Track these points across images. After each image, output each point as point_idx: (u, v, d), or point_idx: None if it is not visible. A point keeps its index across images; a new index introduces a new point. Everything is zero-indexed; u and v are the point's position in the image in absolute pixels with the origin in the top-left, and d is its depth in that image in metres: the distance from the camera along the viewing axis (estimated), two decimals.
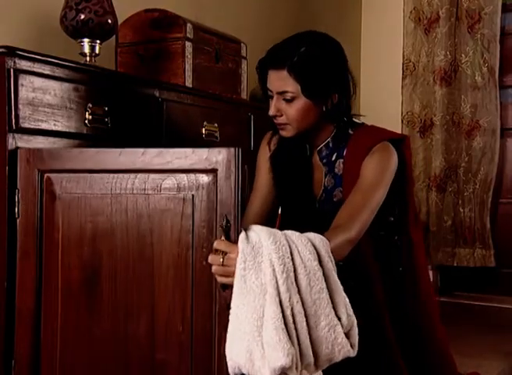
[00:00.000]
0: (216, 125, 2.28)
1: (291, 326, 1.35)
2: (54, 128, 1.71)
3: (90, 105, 1.81)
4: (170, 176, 1.51)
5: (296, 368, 1.34)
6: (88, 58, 2.05)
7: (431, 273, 3.56)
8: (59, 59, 1.74)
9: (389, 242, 1.85)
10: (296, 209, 1.89)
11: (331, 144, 1.88)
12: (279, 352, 1.32)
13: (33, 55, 1.67)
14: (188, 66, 2.26)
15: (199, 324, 1.50)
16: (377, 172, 1.73)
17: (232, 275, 1.39)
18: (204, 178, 1.49)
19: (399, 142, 1.84)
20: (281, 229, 1.46)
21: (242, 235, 1.40)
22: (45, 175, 1.61)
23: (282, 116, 1.80)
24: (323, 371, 1.44)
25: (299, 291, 1.38)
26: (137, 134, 1.98)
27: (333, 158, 1.88)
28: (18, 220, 1.62)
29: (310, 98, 1.76)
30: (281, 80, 1.75)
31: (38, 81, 1.67)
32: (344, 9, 4.00)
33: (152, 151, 1.53)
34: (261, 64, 1.82)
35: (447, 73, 3.79)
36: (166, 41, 2.27)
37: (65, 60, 1.76)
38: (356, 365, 1.54)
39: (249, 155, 2.05)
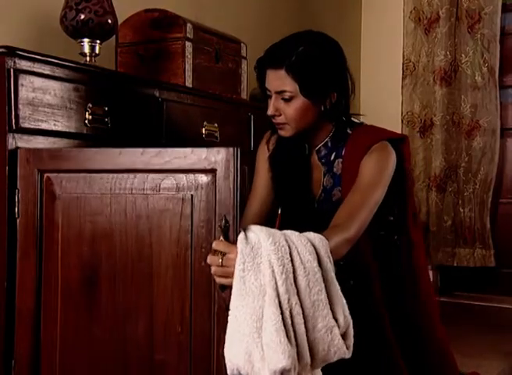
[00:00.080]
0: (216, 125, 2.28)
1: (290, 327, 1.34)
2: (54, 128, 1.72)
3: (90, 105, 1.81)
4: (169, 176, 1.51)
5: (294, 369, 1.34)
6: (88, 58, 2.05)
7: (431, 273, 3.56)
8: (59, 59, 1.74)
9: (388, 242, 1.85)
10: (295, 209, 1.89)
11: (329, 144, 1.88)
12: (279, 354, 1.31)
13: (33, 55, 1.67)
14: (188, 66, 2.26)
15: (198, 324, 1.49)
16: (375, 171, 1.73)
17: (231, 276, 1.38)
18: (203, 178, 1.48)
19: (398, 142, 1.84)
20: (280, 229, 1.46)
21: (241, 236, 1.39)
22: (45, 175, 1.61)
23: (280, 115, 1.79)
24: (322, 371, 1.44)
25: (298, 293, 1.37)
26: (137, 134, 1.98)
27: (332, 158, 1.88)
28: (18, 220, 1.62)
29: (308, 97, 1.76)
30: (279, 80, 1.75)
31: (38, 81, 1.67)
32: (344, 9, 4.00)
33: (151, 151, 1.53)
34: (259, 63, 1.82)
35: (447, 73, 3.79)
36: (166, 41, 2.27)
37: (65, 60, 1.76)
38: (356, 365, 1.55)
39: (249, 155, 2.05)
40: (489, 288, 3.78)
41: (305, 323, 1.37)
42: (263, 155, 1.97)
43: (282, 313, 1.34)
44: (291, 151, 1.92)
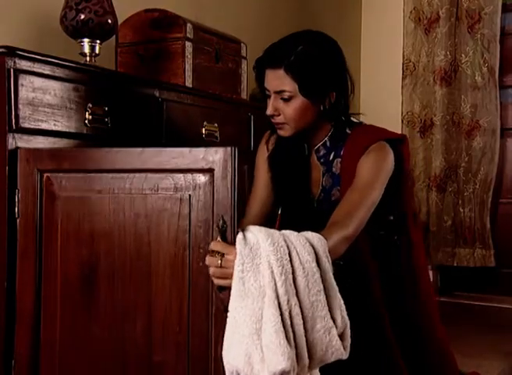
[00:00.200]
0: (216, 125, 2.28)
1: (289, 328, 1.34)
2: (54, 128, 1.72)
3: (90, 105, 1.81)
4: (167, 176, 1.51)
5: (293, 370, 1.34)
6: (88, 58, 2.05)
7: (431, 273, 3.56)
8: (59, 59, 1.74)
9: (388, 242, 1.85)
10: (294, 209, 1.89)
11: (328, 144, 1.88)
12: (279, 356, 1.31)
13: (33, 55, 1.67)
14: (188, 66, 2.26)
15: (196, 324, 1.49)
16: (373, 171, 1.73)
17: (230, 277, 1.37)
18: (201, 178, 1.48)
19: (396, 142, 1.84)
20: (280, 229, 1.45)
21: (239, 236, 1.38)
22: (45, 175, 1.61)
23: (279, 115, 1.79)
24: (321, 371, 1.44)
25: (297, 293, 1.36)
26: (137, 134, 1.98)
27: (331, 158, 1.88)
28: (18, 220, 1.62)
29: (307, 97, 1.76)
30: (278, 80, 1.75)
31: (38, 81, 1.68)
32: (344, 9, 4.00)
33: (150, 151, 1.52)
34: (258, 63, 1.82)
35: (447, 73, 3.79)
36: (166, 41, 2.27)
37: (65, 60, 1.76)
38: (356, 365, 1.55)
39: (249, 155, 2.05)
40: (489, 288, 3.78)
41: (304, 323, 1.36)
42: (262, 156, 1.97)
43: (281, 314, 1.33)
44: (290, 151, 1.92)
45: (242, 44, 2.55)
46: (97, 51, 2.06)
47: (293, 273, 1.37)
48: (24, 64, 1.64)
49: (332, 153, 1.87)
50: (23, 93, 1.64)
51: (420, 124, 3.87)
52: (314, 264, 1.39)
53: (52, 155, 1.63)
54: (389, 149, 1.78)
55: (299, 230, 1.46)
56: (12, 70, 1.61)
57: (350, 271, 1.66)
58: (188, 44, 2.26)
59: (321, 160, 1.90)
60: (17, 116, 1.62)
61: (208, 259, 1.40)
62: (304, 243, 1.41)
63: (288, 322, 1.34)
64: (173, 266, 1.50)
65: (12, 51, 1.62)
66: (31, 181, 1.61)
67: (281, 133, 1.84)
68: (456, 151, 3.80)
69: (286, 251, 1.38)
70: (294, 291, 1.36)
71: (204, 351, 1.48)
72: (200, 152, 1.47)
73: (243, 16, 3.19)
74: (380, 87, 3.97)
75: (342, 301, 1.42)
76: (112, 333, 1.55)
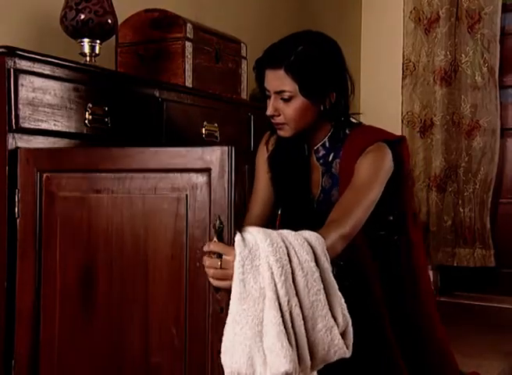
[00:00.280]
0: (216, 125, 2.28)
1: (290, 330, 1.33)
2: (54, 128, 1.72)
3: (90, 105, 1.81)
4: (165, 176, 1.50)
5: (296, 372, 1.33)
6: (88, 58, 2.05)
7: (431, 273, 3.56)
8: (59, 59, 1.74)
9: (388, 242, 1.85)
10: (294, 210, 1.89)
11: (327, 144, 1.88)
12: (281, 358, 1.30)
13: (33, 55, 1.67)
14: (188, 66, 2.26)
15: (193, 326, 1.47)
16: (371, 171, 1.73)
17: (229, 278, 1.35)
18: (199, 178, 1.46)
19: (395, 143, 1.84)
20: (280, 229, 1.45)
21: (238, 237, 1.36)
22: (45, 175, 1.61)
23: (279, 115, 1.79)
24: (322, 371, 1.44)
25: (297, 294, 1.35)
26: (137, 134, 1.98)
27: (330, 159, 1.88)
28: (18, 220, 1.62)
29: (307, 97, 1.76)
30: (278, 80, 1.75)
31: (38, 81, 1.68)
32: (344, 9, 4.00)
33: (148, 151, 1.52)
34: (258, 64, 1.81)
35: (447, 73, 3.79)
36: (166, 41, 2.27)
37: (65, 60, 1.76)
38: (356, 365, 1.54)
39: (249, 155, 2.05)
40: (489, 288, 3.78)
41: (305, 324, 1.35)
42: (262, 157, 1.97)
43: (282, 316, 1.32)
44: (290, 152, 1.91)
45: (242, 44, 2.55)
46: (97, 51, 2.06)
47: (293, 273, 1.36)
48: (24, 64, 1.64)
49: (332, 154, 1.87)
50: (23, 93, 1.64)
51: (420, 124, 3.87)
52: (312, 263, 1.39)
53: (52, 155, 1.63)
54: (388, 150, 1.78)
55: (299, 230, 1.45)
56: (12, 70, 1.61)
57: (350, 271, 1.66)
58: (188, 44, 2.26)
59: (321, 161, 1.90)
60: (17, 116, 1.63)
61: (208, 261, 1.38)
62: (302, 242, 1.40)
63: (289, 323, 1.33)
64: (170, 266, 1.49)
65: (12, 51, 1.62)
66: (31, 181, 1.61)
67: (281, 133, 1.84)
68: (456, 151, 3.79)
69: (285, 252, 1.37)
70: (294, 292, 1.35)
71: (201, 353, 1.46)
72: (197, 152, 1.46)
73: (243, 16, 3.19)
74: (380, 87, 3.97)
75: (342, 300, 1.41)
76: (110, 334, 1.55)
